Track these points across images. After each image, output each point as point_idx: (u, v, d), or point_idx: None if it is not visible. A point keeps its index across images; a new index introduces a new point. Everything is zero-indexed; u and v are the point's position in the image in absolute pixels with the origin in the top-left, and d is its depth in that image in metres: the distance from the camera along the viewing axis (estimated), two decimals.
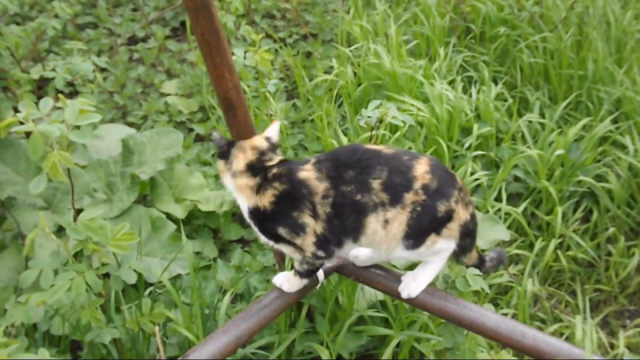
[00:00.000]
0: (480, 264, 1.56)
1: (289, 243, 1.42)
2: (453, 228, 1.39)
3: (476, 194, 2.63)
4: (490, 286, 2.27)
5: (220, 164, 1.46)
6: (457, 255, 1.47)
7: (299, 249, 1.42)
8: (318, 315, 1.96)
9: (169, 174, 2.59)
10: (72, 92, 3.38)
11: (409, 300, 1.51)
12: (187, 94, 3.42)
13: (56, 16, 2.88)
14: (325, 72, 3.46)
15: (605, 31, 3.38)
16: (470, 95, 3.05)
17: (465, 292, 1.61)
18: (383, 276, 1.58)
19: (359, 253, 1.58)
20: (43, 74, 2.60)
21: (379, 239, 1.37)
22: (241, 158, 1.42)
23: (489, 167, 2.79)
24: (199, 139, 3.19)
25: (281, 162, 1.42)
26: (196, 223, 2.54)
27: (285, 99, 3.42)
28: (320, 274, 1.61)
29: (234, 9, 2.98)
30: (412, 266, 1.84)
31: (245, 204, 1.42)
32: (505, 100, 3.13)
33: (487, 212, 2.42)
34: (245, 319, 1.48)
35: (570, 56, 3.23)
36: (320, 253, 1.41)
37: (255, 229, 1.45)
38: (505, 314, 2.09)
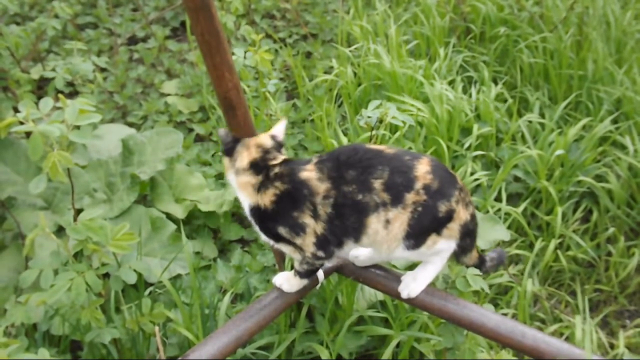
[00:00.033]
0: (480, 263, 1.56)
1: (289, 243, 1.42)
2: (453, 228, 1.39)
3: (476, 194, 2.63)
4: (490, 286, 2.27)
5: (225, 160, 1.46)
6: (458, 255, 1.47)
7: (299, 248, 1.42)
8: (318, 315, 1.96)
9: (169, 174, 2.59)
10: (72, 92, 3.38)
11: (408, 300, 1.51)
12: (187, 94, 3.43)
13: (56, 16, 2.88)
14: (325, 72, 3.46)
15: (605, 31, 3.38)
16: (470, 96, 3.05)
17: (465, 292, 1.61)
18: (383, 276, 1.58)
19: (358, 253, 1.58)
20: (43, 74, 2.60)
21: (380, 239, 1.37)
22: (245, 155, 1.42)
23: (489, 167, 2.79)
24: (199, 139, 3.20)
25: (284, 162, 1.42)
26: (196, 223, 2.54)
27: (285, 99, 3.42)
28: (320, 274, 1.61)
29: (234, 9, 2.98)
30: (412, 266, 1.84)
31: (246, 201, 1.42)
32: (505, 101, 3.13)
33: (487, 212, 2.42)
34: (245, 319, 1.48)
35: (570, 56, 3.23)
36: (320, 253, 1.41)
37: (256, 227, 1.45)
38: (505, 314, 2.09)
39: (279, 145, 1.45)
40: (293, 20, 4.09)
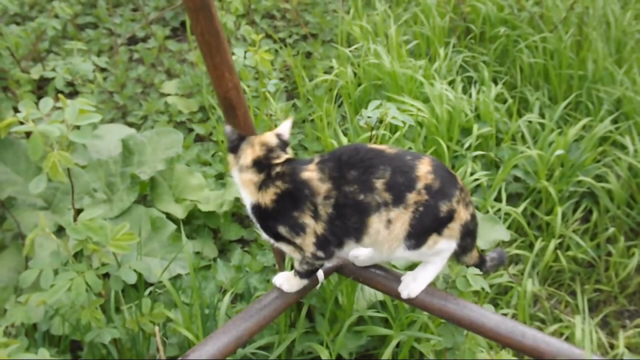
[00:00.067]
0: (480, 263, 1.56)
1: (289, 242, 1.42)
2: (454, 228, 1.39)
3: (476, 194, 2.63)
4: (490, 286, 2.27)
5: (230, 157, 1.46)
6: (458, 255, 1.48)
7: (299, 248, 1.42)
8: (318, 315, 1.96)
9: (169, 174, 2.59)
10: (72, 92, 3.38)
11: (408, 301, 1.51)
12: (187, 94, 3.43)
13: (56, 16, 2.88)
14: (325, 72, 3.46)
15: (605, 31, 3.38)
16: (470, 96, 3.05)
17: (465, 292, 1.61)
18: (383, 276, 1.58)
19: (359, 253, 1.58)
20: (43, 74, 2.60)
21: (382, 239, 1.37)
22: (249, 153, 1.42)
23: (488, 167, 2.79)
24: (199, 139, 3.20)
25: (286, 161, 1.42)
26: (196, 223, 2.54)
27: (285, 99, 3.42)
28: (320, 274, 1.61)
29: (234, 9, 2.98)
30: (412, 266, 1.84)
31: (248, 199, 1.43)
32: (505, 101, 3.13)
33: (487, 212, 2.42)
34: (245, 319, 1.48)
35: (570, 56, 3.23)
36: (320, 254, 1.41)
37: (257, 225, 1.46)
38: (505, 314, 2.09)
39: (284, 144, 1.45)
40: (293, 20, 4.09)
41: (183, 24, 4.12)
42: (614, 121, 2.94)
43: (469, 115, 2.87)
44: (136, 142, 2.54)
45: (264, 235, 1.46)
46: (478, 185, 2.62)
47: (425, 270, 1.49)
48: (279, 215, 1.39)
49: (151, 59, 3.72)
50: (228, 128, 1.46)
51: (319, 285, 1.65)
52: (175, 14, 4.16)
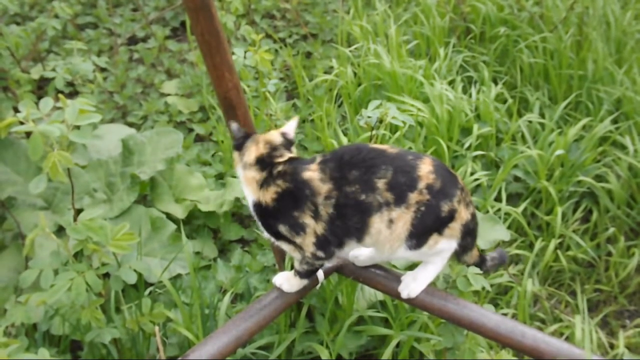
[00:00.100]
0: (480, 262, 1.56)
1: (289, 241, 1.42)
2: (455, 228, 1.39)
3: (476, 194, 2.63)
4: (490, 286, 2.27)
5: (235, 154, 1.47)
6: (458, 255, 1.47)
7: (299, 248, 1.42)
8: (318, 315, 1.96)
9: (169, 174, 2.59)
10: (72, 92, 3.38)
11: (408, 300, 1.51)
12: (187, 94, 3.43)
13: (56, 16, 2.88)
14: (325, 72, 3.46)
15: (605, 31, 3.38)
16: (470, 96, 3.05)
17: (465, 292, 1.61)
18: (383, 276, 1.58)
19: (359, 253, 1.58)
20: (43, 74, 2.60)
21: (383, 239, 1.37)
22: (253, 150, 1.43)
23: (488, 167, 2.79)
24: (199, 139, 3.20)
25: (289, 160, 1.42)
26: (196, 223, 2.54)
27: (285, 99, 3.42)
28: (320, 274, 1.61)
29: (234, 9, 2.98)
30: (412, 266, 1.84)
31: (250, 196, 1.43)
32: (505, 101, 3.13)
33: (487, 212, 2.42)
34: (245, 319, 1.48)
35: (570, 56, 3.23)
36: (320, 254, 1.41)
37: (258, 223, 1.46)
38: (505, 314, 2.09)
39: (288, 143, 1.46)
40: (293, 20, 4.09)
41: (183, 24, 4.12)
42: (614, 121, 2.94)
43: (469, 115, 2.87)
44: (136, 142, 2.54)
45: (265, 234, 1.47)
46: (478, 185, 2.62)
47: (426, 270, 1.49)
48: (279, 214, 1.39)
49: (151, 59, 3.72)
50: (234, 125, 1.47)
51: (319, 285, 1.65)
52: (175, 14, 4.16)
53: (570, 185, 2.66)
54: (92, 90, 3.24)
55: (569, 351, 1.33)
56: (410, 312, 1.91)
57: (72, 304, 1.68)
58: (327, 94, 3.28)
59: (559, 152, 2.66)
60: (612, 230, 2.59)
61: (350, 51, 3.44)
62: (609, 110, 2.99)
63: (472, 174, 2.58)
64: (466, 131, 2.85)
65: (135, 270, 1.66)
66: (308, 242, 1.39)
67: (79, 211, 2.28)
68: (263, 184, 1.40)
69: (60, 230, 2.25)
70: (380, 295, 1.95)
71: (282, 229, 1.40)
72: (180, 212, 2.45)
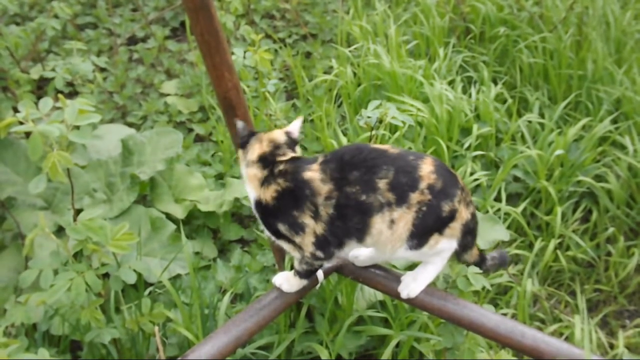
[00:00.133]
0: (480, 261, 1.56)
1: (288, 240, 1.42)
2: (455, 227, 1.39)
3: (476, 194, 2.63)
4: (490, 286, 2.27)
5: (240, 152, 1.48)
6: (459, 253, 1.47)
7: (298, 247, 1.42)
8: (318, 315, 1.96)
9: (169, 174, 2.59)
10: (72, 92, 3.38)
11: (408, 300, 1.51)
12: (186, 94, 3.43)
13: (56, 16, 2.88)
14: (325, 73, 3.46)
15: (605, 31, 3.38)
16: (470, 96, 3.05)
17: (465, 292, 1.61)
18: (383, 276, 1.59)
19: (359, 253, 1.58)
20: (43, 74, 2.60)
21: (385, 239, 1.37)
22: (257, 148, 1.43)
23: (488, 167, 2.80)
24: (199, 139, 3.20)
25: (292, 159, 1.42)
26: (196, 223, 2.54)
27: (285, 99, 3.42)
28: (320, 274, 1.61)
29: (233, 9, 2.98)
30: (412, 266, 1.84)
31: (252, 194, 1.44)
32: (505, 101, 3.13)
33: (487, 212, 2.42)
34: (245, 319, 1.48)
35: (570, 56, 3.23)
36: (319, 254, 1.41)
37: (259, 221, 1.46)
38: (504, 314, 2.09)
39: (292, 142, 1.46)
40: (293, 21, 4.09)
41: (183, 24, 4.12)
42: (614, 121, 2.94)
43: (468, 115, 2.87)
44: (136, 142, 2.54)
45: (266, 232, 1.47)
46: (478, 185, 2.62)
47: (426, 271, 1.49)
48: (279, 213, 1.39)
49: (151, 59, 3.72)
50: (240, 124, 1.48)
51: (318, 285, 1.66)
52: (174, 14, 4.16)
53: (570, 185, 2.66)
54: (91, 90, 3.24)
55: (568, 351, 1.33)
56: (410, 312, 1.91)
57: (71, 304, 1.69)
58: (326, 94, 3.28)
59: (559, 152, 2.66)
60: (611, 230, 2.59)
61: (350, 51, 3.44)
62: (609, 110, 2.99)
63: (471, 174, 2.58)
64: (466, 131, 2.85)
65: (135, 271, 1.66)
66: (307, 241, 1.39)
67: (78, 211, 2.28)
68: (264, 182, 1.40)
69: (60, 231, 2.25)
70: (380, 295, 1.95)
71: (282, 227, 1.40)
72: (180, 212, 2.45)
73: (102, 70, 3.58)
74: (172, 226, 2.32)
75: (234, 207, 2.60)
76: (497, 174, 2.64)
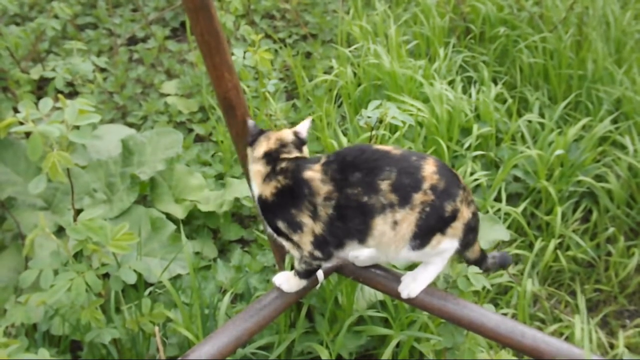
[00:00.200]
0: (482, 259, 1.56)
1: (287, 238, 1.43)
2: (457, 227, 1.39)
3: (476, 194, 2.63)
4: (490, 286, 2.27)
5: (248, 150, 1.49)
6: (461, 250, 1.47)
7: (297, 246, 1.42)
8: (318, 315, 1.96)
9: (169, 174, 2.59)
10: (72, 93, 3.38)
11: (408, 300, 1.51)
12: (186, 94, 3.43)
13: (56, 17, 2.88)
14: (325, 73, 3.46)
15: (605, 31, 3.38)
16: (470, 96, 3.05)
17: (465, 292, 1.61)
18: (383, 276, 1.59)
19: (359, 253, 1.58)
20: (43, 74, 2.60)
21: (387, 240, 1.37)
22: (264, 145, 1.45)
23: (488, 167, 2.80)
24: (199, 139, 3.20)
25: (295, 158, 1.43)
26: (196, 223, 2.54)
27: (285, 99, 3.42)
28: (320, 274, 1.61)
29: (233, 9, 2.98)
30: (412, 266, 1.84)
31: (256, 190, 1.45)
32: (505, 101, 3.13)
33: (487, 212, 2.42)
34: (245, 319, 1.48)
35: (570, 56, 3.23)
36: (318, 253, 1.41)
37: (261, 217, 1.47)
38: (505, 314, 2.09)
39: (300, 142, 1.48)
40: (293, 21, 4.09)
41: (183, 24, 4.12)
42: (614, 121, 2.94)
43: (468, 115, 2.87)
44: (136, 142, 2.54)
45: (268, 229, 1.48)
46: (478, 185, 2.62)
47: (426, 271, 1.49)
48: (277, 210, 1.40)
49: (151, 59, 3.72)
50: (251, 122, 1.50)
51: (318, 285, 1.66)
52: (175, 15, 4.16)
53: (570, 185, 2.66)
54: (91, 90, 3.24)
55: (568, 351, 1.33)
56: (410, 312, 1.91)
57: (72, 304, 1.68)
58: (326, 94, 3.28)
59: (559, 152, 2.66)
60: (611, 230, 2.59)
61: (350, 51, 3.44)
62: (609, 110, 2.99)
63: (472, 174, 2.58)
64: (466, 131, 2.85)
65: (135, 271, 1.66)
66: (305, 240, 1.39)
67: (78, 211, 2.27)
68: (266, 178, 1.42)
69: (60, 231, 2.25)
70: (380, 295, 1.95)
71: (281, 225, 1.41)
72: (180, 213, 2.45)
73: (102, 70, 3.58)
74: (172, 226, 2.32)
75: (234, 207, 2.60)
76: (497, 174, 2.64)
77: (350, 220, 1.35)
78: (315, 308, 1.95)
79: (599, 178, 2.74)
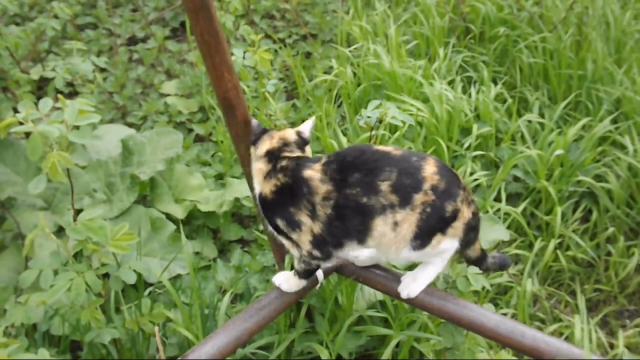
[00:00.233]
0: (482, 258, 1.56)
1: (287, 237, 1.43)
2: (458, 227, 1.39)
3: (476, 194, 2.63)
4: (490, 286, 2.27)
5: (252, 149, 1.50)
6: (462, 249, 1.47)
7: (296, 244, 1.43)
8: (318, 315, 1.96)
9: (169, 175, 2.59)
10: (72, 93, 3.38)
11: (408, 300, 1.52)
12: (186, 94, 3.43)
13: (56, 17, 2.88)
14: (325, 73, 3.46)
15: (605, 31, 3.38)
16: (470, 96, 3.05)
17: (465, 292, 1.61)
18: (383, 276, 1.59)
19: (359, 253, 1.58)
20: (43, 74, 2.60)
21: (388, 241, 1.37)
22: (267, 144, 1.46)
23: (488, 167, 2.80)
24: (199, 139, 3.20)
25: (297, 157, 1.43)
26: (196, 223, 2.54)
27: (285, 99, 3.42)
28: (320, 274, 1.61)
29: (233, 9, 2.98)
30: (412, 266, 1.84)
31: (257, 188, 1.46)
32: (505, 101, 3.13)
33: (487, 212, 2.42)
34: (245, 319, 1.49)
35: (570, 56, 3.23)
36: (316, 253, 1.41)
37: (262, 215, 1.48)
38: (504, 314, 2.09)
39: (302, 142, 1.49)
40: (292, 21, 4.09)
41: (183, 24, 4.12)
42: (614, 121, 2.94)
43: (468, 115, 2.87)
44: (136, 142, 2.54)
45: (268, 227, 1.48)
46: (478, 185, 2.62)
47: (426, 271, 1.49)
48: (276, 208, 1.41)
49: (151, 59, 3.72)
50: (255, 121, 1.51)
51: (318, 285, 1.66)
52: (174, 15, 4.16)
53: (570, 185, 2.66)
54: (91, 90, 3.24)
55: (568, 351, 1.33)
56: (410, 312, 1.91)
57: (71, 304, 1.69)
58: (326, 94, 3.28)
59: (559, 152, 2.66)
60: (611, 230, 2.59)
61: (350, 51, 3.44)
62: (609, 110, 2.99)
63: (471, 174, 2.58)
64: (466, 131, 2.85)
65: (134, 271, 1.66)
66: (304, 239, 1.40)
67: (78, 211, 2.28)
68: (267, 176, 1.42)
69: (60, 231, 2.25)
70: (380, 295, 1.95)
71: (280, 223, 1.41)
72: (179, 213, 2.45)
73: (102, 70, 3.58)
74: (172, 226, 2.32)
75: (234, 207, 2.60)
76: (497, 174, 2.64)
77: (349, 221, 1.35)
78: (315, 308, 1.95)
79: (598, 178, 2.74)
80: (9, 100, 2.55)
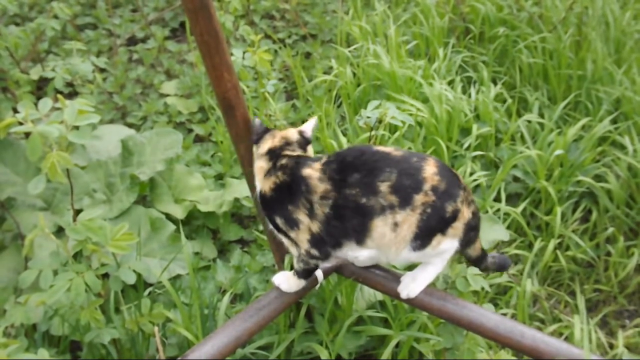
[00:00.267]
0: (482, 258, 1.56)
1: (286, 235, 1.43)
2: (458, 227, 1.39)
3: (475, 194, 2.63)
4: (490, 286, 2.27)
5: (254, 148, 1.51)
6: (462, 248, 1.47)
7: (295, 243, 1.43)
8: (317, 315, 1.96)
9: (169, 175, 2.59)
10: (72, 93, 3.38)
11: (408, 301, 1.52)
12: (186, 94, 3.43)
13: (55, 17, 2.88)
14: (325, 73, 3.46)
15: (604, 31, 3.38)
16: (470, 96, 3.05)
17: (464, 292, 1.61)
18: (382, 276, 1.59)
19: (359, 253, 1.58)
20: (42, 74, 2.60)
21: (388, 242, 1.37)
22: (268, 142, 1.47)
23: (488, 167, 2.80)
24: (199, 139, 3.20)
25: (298, 156, 1.44)
26: (195, 223, 2.54)
27: (285, 100, 3.42)
28: (319, 274, 1.61)
29: (232, 10, 2.98)
30: (411, 267, 1.84)
31: (258, 185, 1.47)
32: (505, 101, 3.13)
33: (487, 212, 2.42)
34: (245, 319, 1.49)
35: (570, 56, 3.23)
36: (314, 252, 1.41)
37: (262, 213, 1.48)
38: (504, 314, 2.09)
39: (304, 141, 1.50)
40: (292, 21, 4.09)
41: (182, 24, 4.12)
42: (613, 121, 2.94)
43: (468, 115, 2.87)
44: (135, 142, 2.54)
45: (268, 226, 1.49)
46: (477, 186, 2.62)
47: (425, 271, 1.49)
48: (275, 205, 1.41)
49: (150, 59, 3.72)
50: (257, 120, 1.51)
51: (318, 285, 1.66)
52: (174, 15, 4.16)
53: (570, 185, 2.66)
54: (91, 90, 3.24)
55: (568, 351, 1.33)
56: (409, 312, 1.91)
57: (71, 305, 1.69)
58: (326, 94, 3.28)
59: (558, 152, 2.66)
60: (611, 230, 2.59)
61: (350, 51, 3.44)
62: (608, 110, 2.99)
63: (471, 174, 2.58)
64: (465, 131, 2.85)
65: (134, 271, 1.66)
66: (302, 238, 1.40)
67: (78, 212, 2.28)
68: (267, 174, 1.43)
69: (59, 231, 2.25)
70: (379, 296, 1.95)
71: (279, 221, 1.42)
72: (179, 213, 2.45)
73: (102, 70, 3.58)
74: (172, 226, 2.32)
75: (234, 208, 2.60)
76: (496, 174, 2.64)
77: (348, 221, 1.35)
78: (315, 308, 1.95)
79: (598, 178, 2.74)
80: (9, 100, 2.55)
